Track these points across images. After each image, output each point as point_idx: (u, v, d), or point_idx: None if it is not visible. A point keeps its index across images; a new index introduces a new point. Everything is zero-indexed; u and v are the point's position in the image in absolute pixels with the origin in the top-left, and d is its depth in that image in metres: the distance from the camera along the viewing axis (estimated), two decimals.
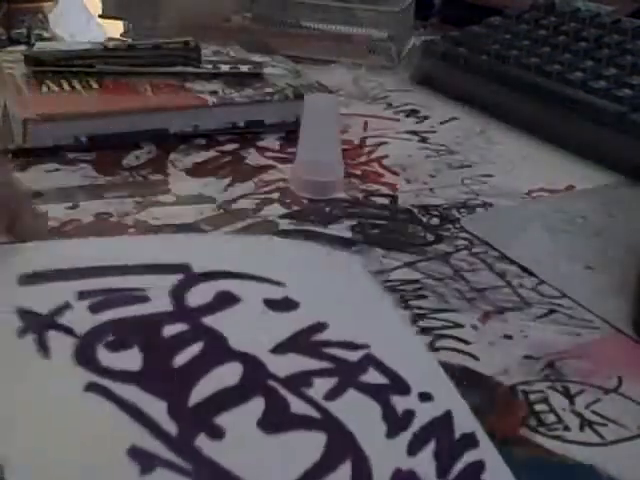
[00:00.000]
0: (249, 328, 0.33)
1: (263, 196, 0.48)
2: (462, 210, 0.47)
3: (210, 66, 0.61)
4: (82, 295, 0.33)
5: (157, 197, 0.47)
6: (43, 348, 0.30)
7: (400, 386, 0.30)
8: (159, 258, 0.36)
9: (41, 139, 0.51)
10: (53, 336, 0.30)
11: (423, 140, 0.59)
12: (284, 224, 0.44)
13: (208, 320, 0.33)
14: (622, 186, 0.52)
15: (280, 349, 0.31)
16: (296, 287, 0.36)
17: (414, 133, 0.60)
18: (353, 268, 0.40)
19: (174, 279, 0.35)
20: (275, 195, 0.48)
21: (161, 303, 0.33)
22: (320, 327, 0.33)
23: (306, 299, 0.35)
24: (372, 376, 0.31)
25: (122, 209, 0.45)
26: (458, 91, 0.67)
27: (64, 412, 0.27)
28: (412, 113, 0.64)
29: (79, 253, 0.36)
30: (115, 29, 0.82)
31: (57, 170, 0.50)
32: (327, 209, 0.46)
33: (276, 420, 0.28)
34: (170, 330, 0.32)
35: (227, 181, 0.50)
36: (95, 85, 0.57)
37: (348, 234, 0.44)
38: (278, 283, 0.36)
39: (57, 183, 0.48)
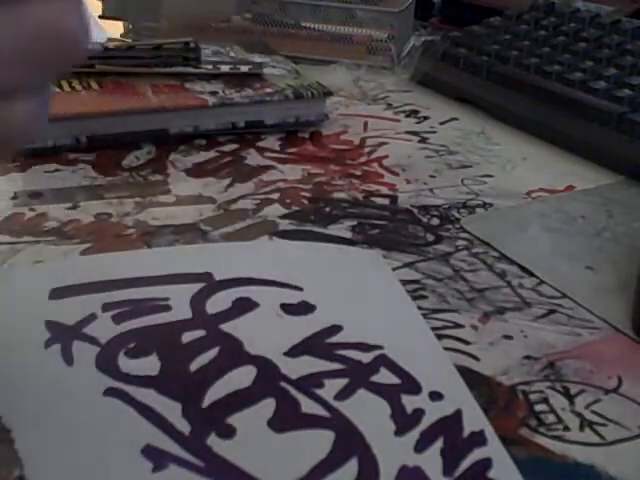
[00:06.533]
0: (265, 332, 0.33)
1: (263, 196, 0.48)
2: (462, 210, 0.47)
3: (210, 66, 0.61)
4: (107, 306, 0.34)
5: (157, 197, 0.47)
6: (67, 357, 0.31)
7: (411, 386, 0.31)
8: (182, 268, 0.37)
9: (41, 139, 0.51)
10: (77, 346, 0.32)
11: (423, 140, 0.59)
12: (284, 224, 0.44)
13: (226, 326, 0.33)
14: (622, 186, 0.52)
15: (294, 352, 0.32)
16: (314, 290, 0.36)
17: (414, 133, 0.60)
18: (373, 265, 0.40)
19: (196, 288, 0.36)
20: (275, 195, 0.48)
21: (182, 311, 0.34)
22: (335, 329, 0.34)
23: (323, 302, 0.36)
24: (384, 376, 0.31)
25: (122, 209, 0.45)
26: (458, 91, 0.67)
27: (82, 415, 0.28)
28: (412, 113, 0.64)
29: (107, 267, 0.37)
30: (115, 29, 0.81)
31: (57, 170, 0.50)
32: (327, 209, 0.46)
33: (286, 419, 0.28)
34: (188, 337, 0.33)
35: (227, 181, 0.50)
36: (95, 85, 0.56)
37: (348, 234, 0.44)
38: (297, 287, 0.36)
39: (57, 183, 0.48)
